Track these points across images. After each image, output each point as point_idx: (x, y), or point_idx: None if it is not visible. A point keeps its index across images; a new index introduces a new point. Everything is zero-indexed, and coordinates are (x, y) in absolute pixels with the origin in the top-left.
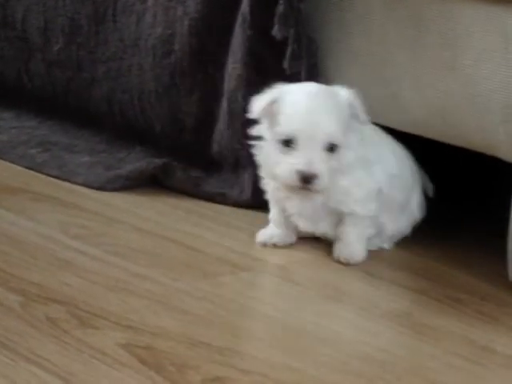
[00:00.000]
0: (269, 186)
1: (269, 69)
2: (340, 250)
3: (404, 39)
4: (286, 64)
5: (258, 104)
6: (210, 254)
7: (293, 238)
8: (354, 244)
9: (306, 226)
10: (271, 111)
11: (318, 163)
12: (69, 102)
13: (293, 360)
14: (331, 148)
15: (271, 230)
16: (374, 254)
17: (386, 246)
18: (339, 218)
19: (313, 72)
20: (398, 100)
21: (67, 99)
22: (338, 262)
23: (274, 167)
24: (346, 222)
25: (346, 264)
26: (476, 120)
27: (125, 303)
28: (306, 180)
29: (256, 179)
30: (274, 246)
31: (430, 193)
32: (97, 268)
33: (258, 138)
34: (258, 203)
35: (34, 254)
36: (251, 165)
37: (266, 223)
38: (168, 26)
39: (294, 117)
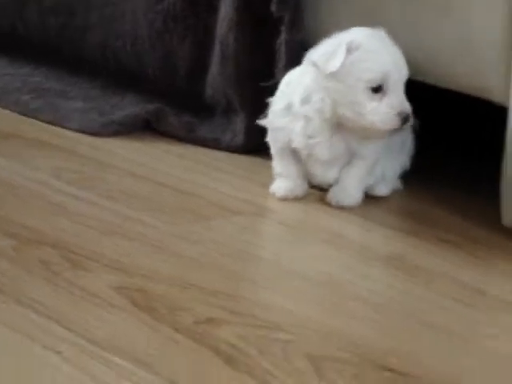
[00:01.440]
0: (279, 139)
1: (259, 12)
2: (334, 193)
3: None
4: (273, 7)
5: (336, 58)
6: (202, 198)
7: (306, 187)
8: (350, 188)
9: (319, 173)
10: (350, 61)
11: (371, 105)
12: (62, 49)
13: (285, 301)
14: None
15: (286, 183)
16: (368, 198)
17: (390, 188)
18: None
19: (298, 16)
20: None
21: (61, 46)
22: (331, 204)
23: (365, 115)
24: (353, 163)
25: (339, 207)
26: (469, 63)
27: (117, 246)
28: (406, 120)
29: (249, 124)
30: (295, 197)
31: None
32: (89, 212)
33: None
34: (251, 148)
35: (27, 198)
36: (243, 109)
37: (258, 168)
38: None
39: (382, 61)
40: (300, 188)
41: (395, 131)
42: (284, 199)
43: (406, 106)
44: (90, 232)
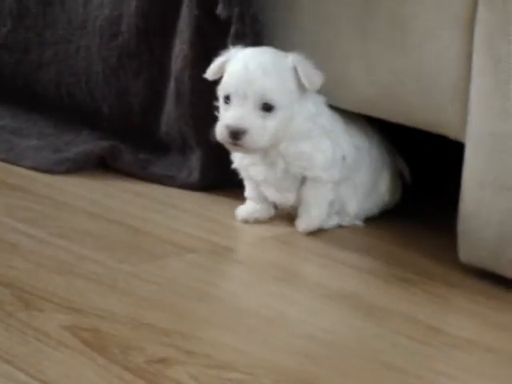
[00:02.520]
0: (236, 159)
1: (215, 48)
2: (300, 215)
3: (353, 19)
4: (230, 43)
5: (212, 65)
6: (156, 235)
7: (271, 211)
8: (313, 208)
9: (274, 196)
10: (223, 71)
11: (248, 119)
12: (17, 85)
13: (238, 341)
14: (267, 107)
15: (250, 206)
16: (322, 234)
17: (346, 223)
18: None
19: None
20: (347, 80)
21: (15, 82)
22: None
23: None
24: (307, 185)
25: (305, 232)
26: (424, 99)
27: (70, 285)
28: (235, 135)
29: (204, 161)
30: (256, 220)
31: (407, 176)
32: (42, 251)
33: None
34: (206, 185)
35: None
36: (199, 146)
37: (213, 205)
38: (115, 7)
39: (232, 74)
40: (262, 212)
41: (230, 147)
42: (245, 222)
43: (240, 122)
44: (43, 271)
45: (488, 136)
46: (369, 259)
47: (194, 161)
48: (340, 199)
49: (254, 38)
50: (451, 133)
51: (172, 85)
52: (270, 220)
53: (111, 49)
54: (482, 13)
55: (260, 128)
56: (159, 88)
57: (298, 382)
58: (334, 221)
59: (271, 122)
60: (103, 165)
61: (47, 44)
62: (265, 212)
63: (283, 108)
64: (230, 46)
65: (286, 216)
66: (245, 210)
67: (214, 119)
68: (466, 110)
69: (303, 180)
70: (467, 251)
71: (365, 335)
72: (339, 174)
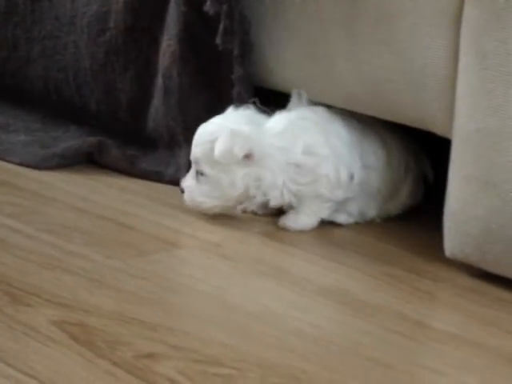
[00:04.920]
0: None
1: (203, 45)
2: (287, 217)
3: (339, 15)
4: (218, 39)
5: None
6: (143, 231)
7: (273, 209)
8: (303, 215)
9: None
10: None
11: (187, 181)
12: (5, 82)
13: (225, 336)
14: (199, 172)
15: None
16: (310, 231)
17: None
18: None
19: (245, 48)
20: (333, 76)
21: (3, 78)
22: (283, 227)
23: None
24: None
25: (287, 229)
26: (411, 95)
27: (58, 281)
28: (181, 191)
29: None
30: (253, 213)
31: (430, 178)
32: (30, 246)
33: None
34: None
35: None
36: (186, 142)
37: None
38: (103, 3)
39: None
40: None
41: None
42: (243, 212)
43: (183, 180)
44: (31, 266)
45: (474, 132)
46: (356, 256)
47: (182, 157)
48: (360, 204)
49: (242, 35)
50: (438, 129)
51: (160, 81)
52: (258, 216)
53: (99, 45)
54: (468, 10)
55: (191, 190)
56: (147, 84)
57: (285, 377)
58: (342, 218)
59: (202, 186)
60: (91, 160)
61: (35, 40)
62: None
63: (209, 175)
64: (219, 43)
65: (275, 212)
66: None
67: (202, 115)
68: (453, 106)
69: None
70: (453, 247)
71: (352, 330)
72: (344, 194)
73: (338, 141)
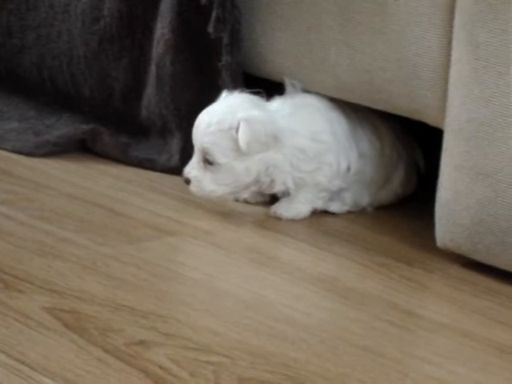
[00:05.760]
0: None
1: (196, 34)
2: (280, 205)
3: (333, 4)
4: (210, 28)
5: None
6: (136, 219)
7: (266, 197)
8: (297, 204)
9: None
10: None
11: (192, 170)
12: None
13: (216, 324)
14: (208, 161)
15: None
16: (302, 220)
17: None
18: None
19: (236, 37)
20: (327, 65)
21: None
22: (274, 215)
23: None
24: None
25: (279, 218)
26: (404, 85)
27: (50, 267)
28: (186, 181)
29: (184, 145)
30: (245, 201)
31: (422, 167)
32: (23, 232)
33: None
34: None
35: None
36: (179, 131)
37: None
38: None
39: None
40: (254, 194)
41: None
42: (235, 200)
43: (186, 172)
44: (23, 252)
45: (466, 122)
46: (348, 245)
47: (175, 145)
48: (354, 194)
49: (233, 23)
50: (430, 119)
51: (153, 69)
52: (251, 204)
53: (93, 33)
54: (461, 0)
55: (199, 179)
56: (140, 72)
57: (276, 365)
58: (335, 207)
59: (212, 175)
60: (84, 148)
61: (29, 28)
62: (257, 196)
63: (221, 163)
64: (211, 32)
65: (268, 200)
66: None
67: (195, 104)
68: (445, 96)
69: None
70: (444, 237)
71: (343, 319)
72: (340, 184)
73: (339, 129)
